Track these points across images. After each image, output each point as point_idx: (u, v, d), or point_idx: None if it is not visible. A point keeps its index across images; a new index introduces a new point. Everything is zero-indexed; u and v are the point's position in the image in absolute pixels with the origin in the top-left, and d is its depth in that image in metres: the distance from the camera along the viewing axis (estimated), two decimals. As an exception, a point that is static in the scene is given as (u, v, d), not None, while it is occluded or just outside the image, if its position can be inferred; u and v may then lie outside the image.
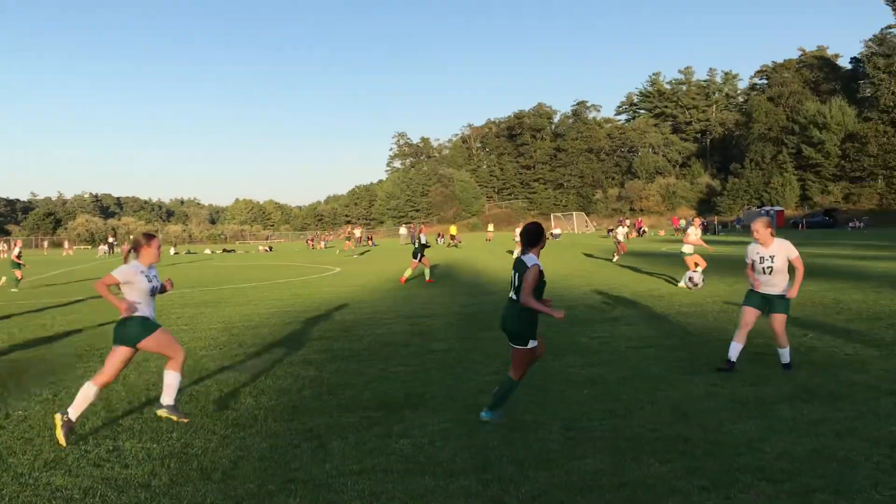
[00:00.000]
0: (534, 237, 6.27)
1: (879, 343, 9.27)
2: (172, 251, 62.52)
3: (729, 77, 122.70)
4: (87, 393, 6.25)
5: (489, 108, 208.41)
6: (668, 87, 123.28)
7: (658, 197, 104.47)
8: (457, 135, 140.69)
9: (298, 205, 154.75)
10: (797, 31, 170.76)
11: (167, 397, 6.52)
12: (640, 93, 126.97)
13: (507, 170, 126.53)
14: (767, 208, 77.62)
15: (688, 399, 6.86)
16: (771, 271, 7.92)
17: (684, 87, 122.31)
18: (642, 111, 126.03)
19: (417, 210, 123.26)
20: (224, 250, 70.31)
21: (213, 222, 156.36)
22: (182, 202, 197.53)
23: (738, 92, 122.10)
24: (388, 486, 4.93)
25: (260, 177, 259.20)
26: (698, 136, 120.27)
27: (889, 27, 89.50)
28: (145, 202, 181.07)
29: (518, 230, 5.87)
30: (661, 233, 72.69)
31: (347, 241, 47.64)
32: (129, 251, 6.63)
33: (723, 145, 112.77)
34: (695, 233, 18.42)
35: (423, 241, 22.02)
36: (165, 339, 6.50)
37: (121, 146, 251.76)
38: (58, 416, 6.13)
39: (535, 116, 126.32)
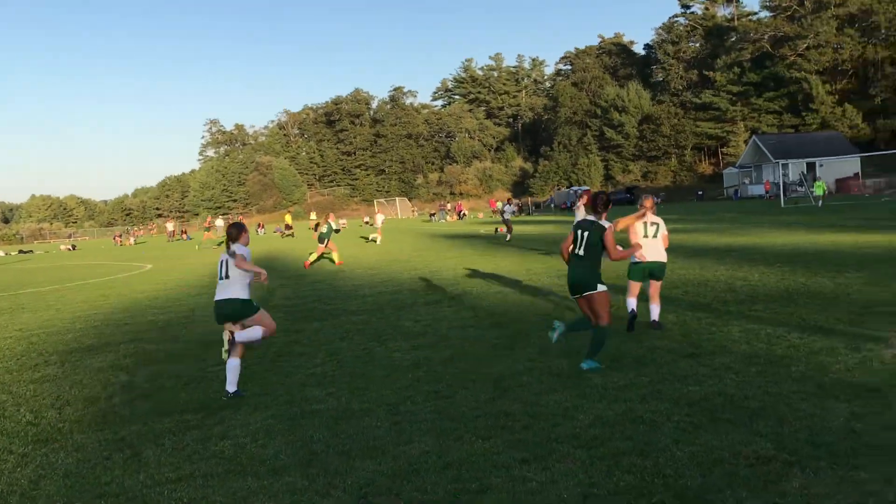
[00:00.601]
0: (604, 204, 7.35)
1: (676, 309, 10.04)
2: (-41, 255, 56.59)
3: (536, 63, 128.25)
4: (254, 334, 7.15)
5: (306, 93, 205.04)
6: (480, 73, 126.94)
7: (476, 180, 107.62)
8: (273, 121, 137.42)
9: (104, 199, 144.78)
10: (596, 19, 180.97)
11: (231, 385, 7.20)
12: (455, 79, 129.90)
13: (328, 156, 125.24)
14: (576, 188, 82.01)
15: (508, 375, 7.09)
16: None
17: (496, 74, 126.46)
18: (457, 97, 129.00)
19: (235, 200, 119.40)
20: (20, 251, 64.58)
21: (6, 221, 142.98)
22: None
23: (545, 77, 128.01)
24: (208, 492, 4.72)
25: (59, 171, 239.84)
26: (510, 120, 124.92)
27: (676, 16, 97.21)
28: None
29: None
30: (480, 215, 74.92)
31: (207, 232, 45.33)
32: (228, 240, 7.35)
33: (533, 129, 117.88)
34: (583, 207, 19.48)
35: (334, 227, 22.76)
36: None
37: None
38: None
39: (353, 102, 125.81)
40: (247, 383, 7.57)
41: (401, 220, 77.46)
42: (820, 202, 39.94)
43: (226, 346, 7.16)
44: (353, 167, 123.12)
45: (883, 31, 72.62)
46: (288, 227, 50.97)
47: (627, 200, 76.80)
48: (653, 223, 9.22)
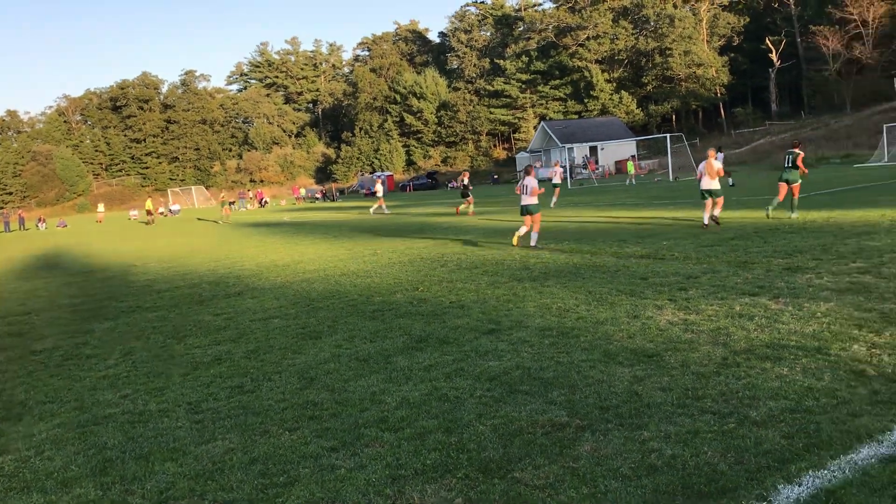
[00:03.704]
0: (797, 145, 16.01)
1: (476, 289, 10.40)
2: None
3: (334, 48, 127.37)
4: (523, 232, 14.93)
5: (88, 77, 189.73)
6: (276, 57, 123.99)
7: (277, 167, 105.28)
8: (52, 107, 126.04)
9: None
10: (392, 5, 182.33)
11: (534, 241, 14.64)
12: (250, 63, 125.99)
13: (115, 144, 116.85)
14: (379, 174, 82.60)
15: (314, 364, 7.03)
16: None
17: (293, 58, 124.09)
18: (254, 81, 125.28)
19: (10, 193, 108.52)
20: None
21: None
22: None
23: (344, 63, 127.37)
24: (-15, 514, 4.30)
25: None
26: (310, 105, 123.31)
27: (468, 4, 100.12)
28: None
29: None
30: (283, 203, 73.50)
31: (225, 207, 43.56)
32: (526, 174, 14.99)
33: (334, 115, 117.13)
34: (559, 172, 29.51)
35: (466, 183, 29.22)
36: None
37: None
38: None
39: (140, 86, 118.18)
40: (30, 391, 6.98)
41: (198, 210, 74.27)
42: (632, 180, 43.12)
43: (521, 232, 14.85)
44: (143, 155, 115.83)
45: (652, 23, 79.07)
46: (149, 213, 48.01)
47: (430, 185, 78.61)
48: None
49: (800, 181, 15.58)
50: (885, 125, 41.08)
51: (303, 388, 6.28)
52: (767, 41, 70.60)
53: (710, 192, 15.31)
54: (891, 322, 6.53)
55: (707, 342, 6.51)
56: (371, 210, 34.77)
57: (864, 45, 62.92)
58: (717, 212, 15.55)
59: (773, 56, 70.32)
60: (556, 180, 29.34)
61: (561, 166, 32.70)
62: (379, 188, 36.59)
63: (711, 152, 15.94)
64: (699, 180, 15.58)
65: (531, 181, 14.67)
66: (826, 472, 3.83)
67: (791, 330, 6.62)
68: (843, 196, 20.15)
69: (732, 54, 76.14)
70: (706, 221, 15.31)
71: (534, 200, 14.54)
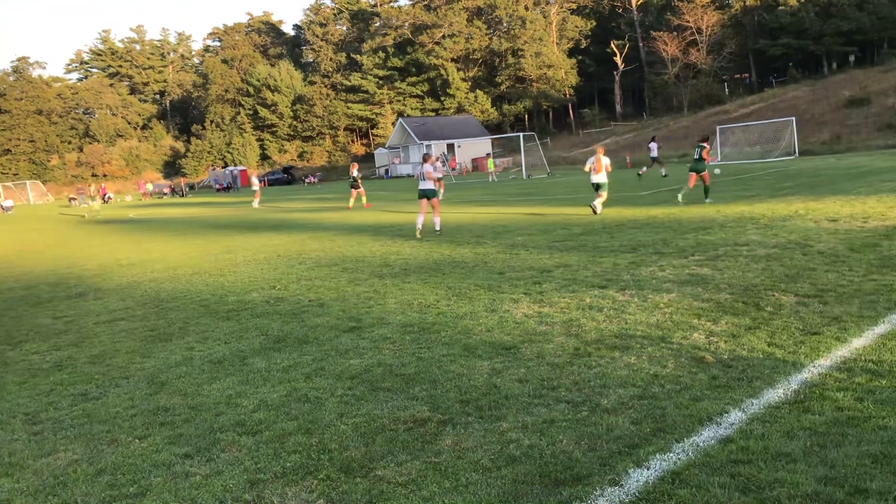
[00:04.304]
0: (706, 139, 18.50)
1: (336, 287, 10.29)
2: None
3: (183, 38, 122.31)
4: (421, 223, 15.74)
5: None
6: (120, 45, 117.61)
7: (121, 161, 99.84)
8: None
9: None
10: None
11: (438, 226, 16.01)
12: (91, 51, 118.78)
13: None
14: (231, 168, 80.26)
15: (165, 367, 6.71)
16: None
17: (138, 47, 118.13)
18: (95, 70, 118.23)
19: None
20: None
21: None
22: None
23: (193, 53, 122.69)
24: None
25: None
26: (157, 97, 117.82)
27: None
28: None
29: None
30: (129, 198, 69.86)
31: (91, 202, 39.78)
32: (424, 161, 16.14)
33: (183, 107, 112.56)
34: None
35: (356, 175, 28.42)
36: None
37: None
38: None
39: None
40: None
41: (35, 207, 69.30)
42: (493, 177, 43.94)
43: (420, 225, 15.52)
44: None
45: (505, 24, 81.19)
46: None
47: (285, 181, 77.17)
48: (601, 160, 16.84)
49: (706, 170, 17.68)
50: (717, 126, 44.20)
51: (153, 393, 5.98)
52: (613, 45, 74.19)
53: (599, 186, 16.84)
54: (726, 311, 7.01)
55: (560, 333, 6.73)
56: (255, 204, 34.53)
57: (699, 51, 67.30)
58: (598, 203, 16.87)
59: (618, 59, 73.98)
60: (437, 174, 30.66)
61: (441, 162, 35.38)
62: (255, 182, 37.44)
63: (600, 149, 17.46)
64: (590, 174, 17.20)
65: (427, 167, 15.96)
66: (672, 454, 4.05)
67: (637, 320, 6.96)
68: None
69: (580, 57, 79.49)
70: (598, 210, 16.78)
71: (430, 185, 15.81)
